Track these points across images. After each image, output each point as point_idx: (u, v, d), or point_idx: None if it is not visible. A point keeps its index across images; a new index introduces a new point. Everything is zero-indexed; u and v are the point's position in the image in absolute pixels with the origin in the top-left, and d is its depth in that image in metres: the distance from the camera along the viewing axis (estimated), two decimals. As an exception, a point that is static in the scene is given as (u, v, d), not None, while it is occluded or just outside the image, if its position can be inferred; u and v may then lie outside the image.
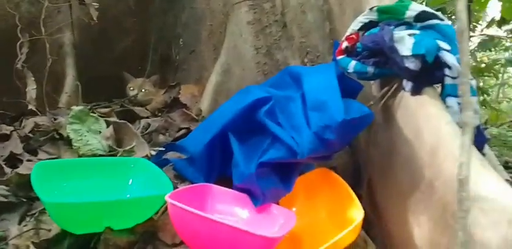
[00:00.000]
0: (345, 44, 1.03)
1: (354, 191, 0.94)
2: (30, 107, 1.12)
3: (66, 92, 1.33)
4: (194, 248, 0.78)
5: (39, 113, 1.14)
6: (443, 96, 0.91)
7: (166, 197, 0.74)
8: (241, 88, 1.62)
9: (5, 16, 1.38)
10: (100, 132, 1.06)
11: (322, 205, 0.96)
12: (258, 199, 0.91)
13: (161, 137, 1.25)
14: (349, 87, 1.04)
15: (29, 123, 1.05)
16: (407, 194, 0.90)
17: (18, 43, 1.28)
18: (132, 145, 1.01)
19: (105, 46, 1.66)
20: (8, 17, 1.36)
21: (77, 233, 0.77)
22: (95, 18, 1.32)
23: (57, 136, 1.06)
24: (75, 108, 1.06)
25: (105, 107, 1.46)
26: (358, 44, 1.01)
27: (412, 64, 0.87)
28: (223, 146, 1.01)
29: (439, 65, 0.89)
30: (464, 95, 0.52)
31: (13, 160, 0.97)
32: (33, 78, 1.17)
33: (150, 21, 1.85)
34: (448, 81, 0.90)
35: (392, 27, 0.94)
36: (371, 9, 1.01)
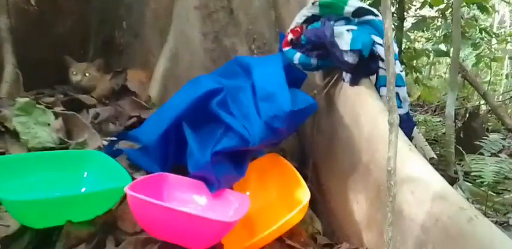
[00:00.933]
0: (290, 36, 1.09)
1: (300, 172, 1.03)
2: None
3: (7, 81, 1.26)
4: (155, 235, 0.83)
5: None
6: (377, 86, 1.01)
7: (126, 189, 0.78)
8: (190, 73, 1.65)
9: None
10: (48, 124, 1.04)
11: (273, 188, 1.04)
12: (214, 185, 0.97)
13: (111, 127, 1.25)
14: (295, 76, 1.11)
15: (-29, 117, 1.01)
16: (348, 175, 1.01)
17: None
18: (84, 138, 1.01)
19: (44, 31, 1.58)
20: None
21: (37, 227, 0.78)
22: (33, 3, 1.24)
23: (3, 129, 1.03)
24: (21, 100, 1.03)
25: (50, 96, 1.41)
26: (302, 37, 1.07)
27: (350, 58, 0.95)
28: (177, 136, 1.04)
29: (373, 58, 0.99)
30: (390, 100, 0.60)
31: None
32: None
33: (90, 2, 1.77)
34: (381, 72, 1.00)
35: (332, 22, 1.01)
36: (313, 3, 1.07)
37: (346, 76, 1.01)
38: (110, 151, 1.08)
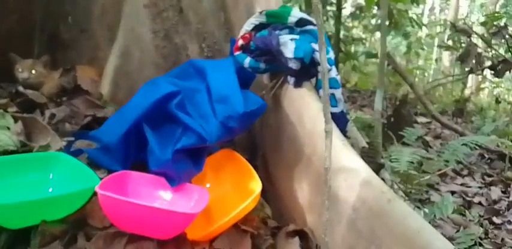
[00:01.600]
0: (240, 42, 1.20)
1: (251, 163, 1.16)
2: None
3: (-47, 82, 1.24)
4: (124, 229, 0.92)
5: None
6: (317, 88, 1.16)
7: (97, 189, 0.85)
8: (141, 70, 1.70)
9: None
10: (8, 128, 1.06)
11: (228, 180, 1.16)
12: (174, 180, 1.07)
13: (67, 126, 1.28)
14: (245, 77, 1.23)
15: None
16: (293, 165, 1.16)
17: None
18: (47, 141, 1.05)
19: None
20: None
21: (12, 228, 0.83)
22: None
23: (-41, 134, 1.04)
24: (-24, 105, 1.05)
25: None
26: (251, 43, 1.18)
27: (294, 65, 1.08)
28: (137, 136, 1.12)
29: (313, 64, 1.13)
30: (324, 110, 0.74)
31: None
32: None
33: (33, -2, 1.73)
34: (320, 76, 1.14)
35: (278, 31, 1.13)
36: (260, 12, 1.19)
37: (290, 79, 1.14)
38: (69, 151, 1.14)
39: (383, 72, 1.32)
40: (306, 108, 1.12)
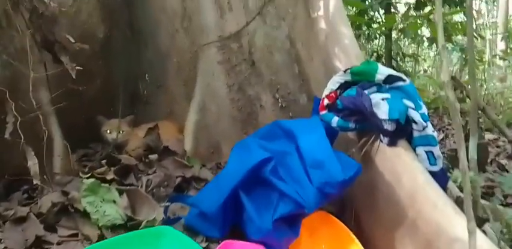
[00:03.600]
0: (326, 101, 1.20)
1: (339, 217, 1.13)
2: (35, 182, 1.14)
3: (58, 155, 1.34)
4: None
5: (45, 187, 1.16)
6: (413, 146, 1.12)
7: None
8: (219, 124, 1.75)
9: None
10: (114, 201, 1.12)
11: (324, 246, 1.13)
12: (275, 248, 1.06)
13: (161, 190, 1.33)
14: (330, 133, 1.22)
15: (45, 202, 1.09)
16: (393, 227, 1.11)
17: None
18: (153, 215, 1.09)
19: (77, 96, 1.64)
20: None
21: None
22: (73, 76, 1.33)
23: (72, 210, 1.11)
24: (87, 181, 1.11)
25: (89, 160, 1.49)
26: (337, 101, 1.18)
27: (389, 126, 1.06)
28: (234, 202, 1.13)
29: (408, 122, 1.09)
30: (467, 212, 0.68)
31: (39, 243, 1.01)
32: (33, 153, 1.18)
33: (115, 61, 1.86)
34: (415, 133, 1.11)
35: (366, 90, 1.11)
36: (345, 71, 1.18)
37: (384, 138, 1.11)
38: (168, 220, 1.17)
39: (475, 118, 1.25)
40: (403, 168, 1.08)
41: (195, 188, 1.40)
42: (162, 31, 1.85)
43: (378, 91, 1.15)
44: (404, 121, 1.07)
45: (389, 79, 1.14)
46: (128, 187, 1.18)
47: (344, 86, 1.19)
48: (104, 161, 1.47)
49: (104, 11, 1.73)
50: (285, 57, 1.62)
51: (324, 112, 1.20)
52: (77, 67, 1.29)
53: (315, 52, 1.47)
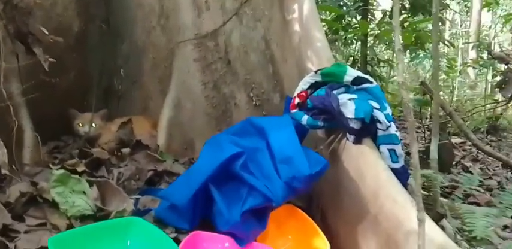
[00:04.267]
0: (297, 100, 1.24)
1: (306, 213, 1.17)
2: (3, 172, 1.13)
3: (28, 146, 1.33)
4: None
5: (14, 177, 1.15)
6: (377, 144, 1.18)
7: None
8: (193, 121, 1.77)
9: None
10: (84, 192, 1.12)
11: (290, 237, 1.18)
12: (243, 240, 1.10)
13: (133, 183, 1.34)
14: (301, 131, 1.27)
15: (13, 192, 1.08)
16: (356, 222, 1.17)
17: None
18: (123, 206, 1.10)
19: (49, 88, 1.63)
20: None
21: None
22: (46, 68, 1.32)
23: (41, 200, 1.11)
24: (56, 172, 1.11)
25: (60, 152, 1.49)
26: (308, 101, 1.22)
27: (355, 125, 1.11)
28: (204, 195, 1.16)
29: (372, 121, 1.15)
30: (418, 203, 0.74)
31: (6, 231, 1.00)
32: (1, 143, 1.16)
33: (89, 54, 1.85)
34: (379, 133, 1.17)
35: (335, 91, 1.17)
36: (316, 72, 1.23)
37: (350, 137, 1.17)
38: (139, 211, 1.19)
39: (437, 121, 1.33)
40: (367, 166, 1.14)
41: (167, 181, 1.42)
42: (139, 27, 1.86)
43: (346, 92, 1.20)
44: (369, 120, 1.13)
45: (357, 80, 1.19)
46: (98, 179, 1.19)
47: (314, 86, 1.24)
48: (75, 153, 1.47)
49: (79, 4, 1.72)
50: (260, 58, 1.66)
51: (294, 110, 1.25)
52: (50, 59, 1.28)
53: (288, 54, 1.51)
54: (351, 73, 1.19)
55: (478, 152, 3.52)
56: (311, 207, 1.39)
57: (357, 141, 1.16)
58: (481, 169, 3.21)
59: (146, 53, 1.87)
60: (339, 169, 1.24)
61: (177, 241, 1.07)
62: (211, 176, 1.14)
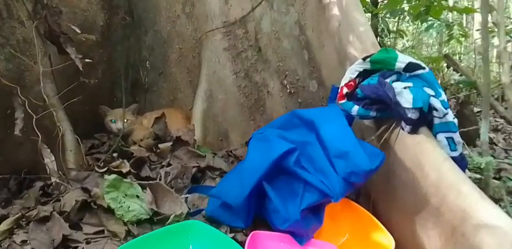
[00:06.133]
0: (345, 90, 1.19)
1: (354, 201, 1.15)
2: (54, 180, 1.11)
3: (71, 149, 1.30)
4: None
5: (63, 184, 1.14)
6: (434, 132, 1.13)
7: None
8: (226, 111, 1.73)
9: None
10: (137, 196, 1.11)
11: (347, 232, 1.16)
12: (303, 238, 1.08)
13: (179, 181, 1.33)
14: (348, 121, 1.22)
15: (67, 200, 1.06)
16: (415, 212, 1.14)
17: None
18: (180, 210, 1.08)
19: (79, 86, 1.59)
20: None
21: None
22: (81, 68, 1.28)
23: (95, 206, 1.09)
24: (109, 177, 1.09)
25: (99, 152, 1.47)
26: (358, 90, 1.17)
27: (413, 115, 1.06)
28: (257, 193, 1.14)
29: (429, 110, 1.10)
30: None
31: (66, 242, 0.99)
32: (48, 150, 1.14)
33: (115, 48, 1.79)
34: (436, 121, 1.12)
35: (388, 79, 1.11)
36: (364, 59, 1.17)
37: (406, 126, 1.12)
38: (191, 212, 1.17)
39: (488, 103, 1.28)
40: (426, 155, 1.10)
41: (211, 177, 1.40)
42: (163, 16, 1.79)
43: (398, 79, 1.14)
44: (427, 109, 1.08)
45: (409, 67, 1.13)
46: (150, 181, 1.17)
47: (363, 74, 1.18)
48: (115, 154, 1.45)
49: (102, -3, 1.66)
50: (294, 44, 1.59)
51: (343, 101, 1.20)
52: (86, 60, 1.24)
53: (326, 39, 1.45)
54: (403, 60, 1.13)
55: (496, 121, 3.45)
56: (359, 196, 1.37)
57: (414, 131, 1.11)
58: (504, 139, 3.17)
59: (172, 43, 1.81)
60: (391, 160, 1.20)
61: (235, 241, 1.06)
62: (264, 174, 1.11)
